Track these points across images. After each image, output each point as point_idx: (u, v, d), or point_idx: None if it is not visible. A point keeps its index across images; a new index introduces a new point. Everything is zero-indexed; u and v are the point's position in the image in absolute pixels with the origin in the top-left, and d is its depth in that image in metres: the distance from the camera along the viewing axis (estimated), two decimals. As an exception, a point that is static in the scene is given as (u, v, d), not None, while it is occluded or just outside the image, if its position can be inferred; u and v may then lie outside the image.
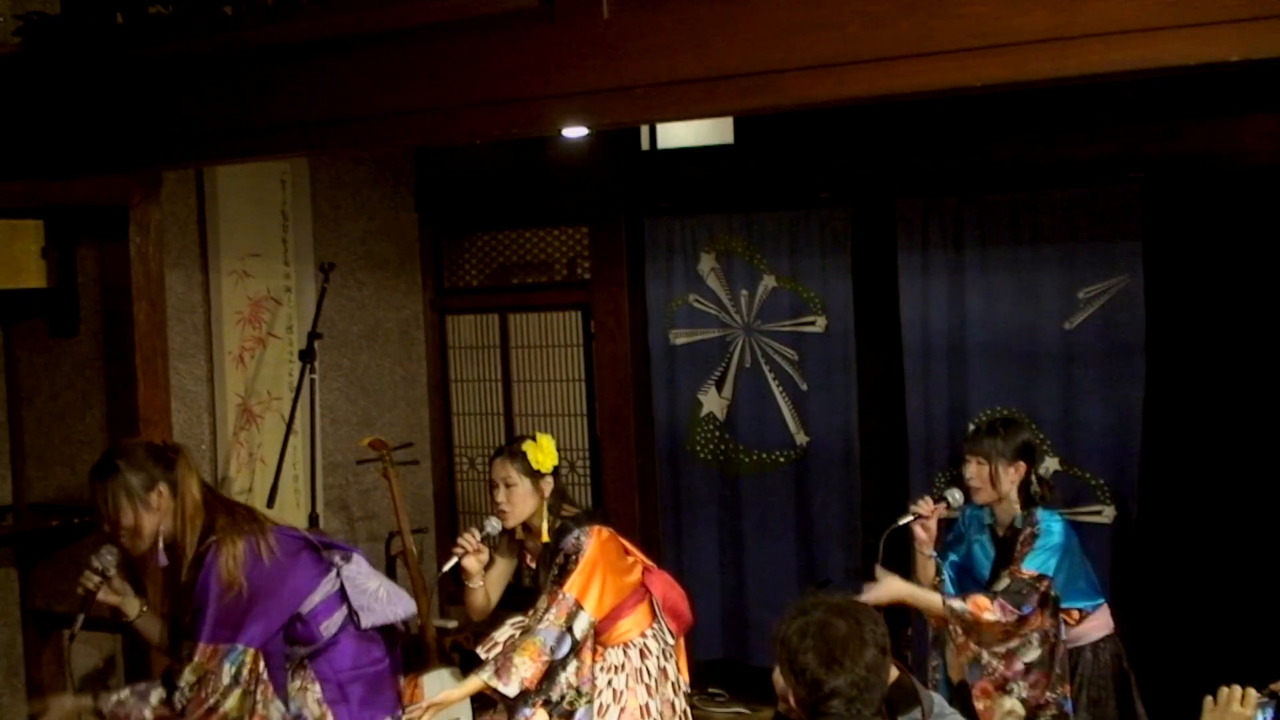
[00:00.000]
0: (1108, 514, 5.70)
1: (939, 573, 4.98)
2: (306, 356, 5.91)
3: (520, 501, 4.88)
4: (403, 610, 4.41)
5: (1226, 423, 5.66)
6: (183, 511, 4.12)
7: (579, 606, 4.74)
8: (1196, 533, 5.71)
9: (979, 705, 4.81)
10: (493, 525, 4.84)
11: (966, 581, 5.00)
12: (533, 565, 5.03)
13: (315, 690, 4.23)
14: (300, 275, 6.22)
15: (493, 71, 3.47)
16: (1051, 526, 4.85)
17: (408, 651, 4.97)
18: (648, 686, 5.03)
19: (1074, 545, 4.90)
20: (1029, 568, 4.77)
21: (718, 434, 6.47)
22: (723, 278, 6.38)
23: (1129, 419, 5.64)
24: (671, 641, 5.14)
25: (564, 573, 4.82)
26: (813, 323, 6.23)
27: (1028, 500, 4.91)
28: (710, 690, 6.33)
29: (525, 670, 4.66)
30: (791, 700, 3.16)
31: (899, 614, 5.92)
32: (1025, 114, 5.61)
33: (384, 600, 4.36)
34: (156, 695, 4.04)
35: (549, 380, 6.82)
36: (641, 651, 5.04)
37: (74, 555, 5.23)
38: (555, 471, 4.93)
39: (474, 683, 4.71)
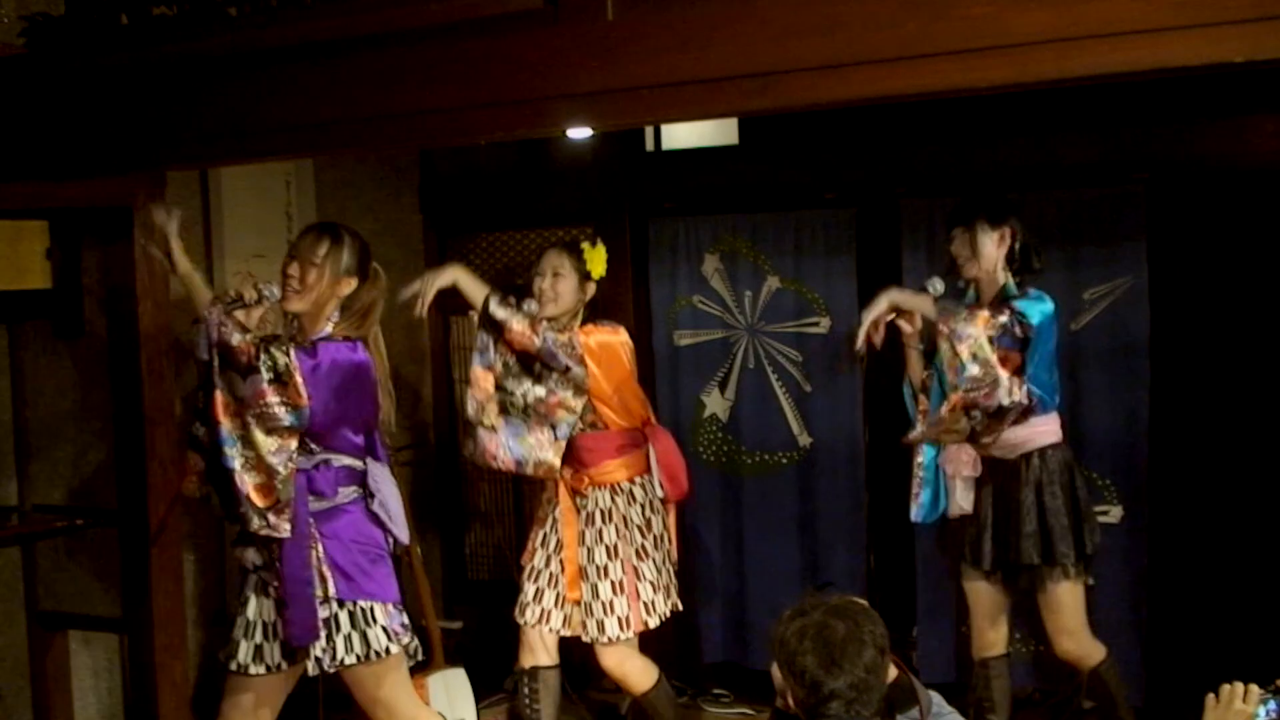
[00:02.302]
0: (1115, 514, 5.69)
1: (928, 365, 5.08)
2: (311, 358, 5.91)
3: (564, 293, 5.17)
4: (399, 528, 4.54)
5: (1232, 423, 5.65)
6: (360, 315, 4.45)
7: (581, 358, 5.01)
8: (1202, 532, 5.71)
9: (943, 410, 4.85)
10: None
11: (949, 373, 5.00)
12: None
13: (320, 549, 4.36)
14: (305, 276, 6.22)
15: (497, 72, 3.48)
16: (1044, 296, 4.88)
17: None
18: (628, 536, 5.21)
19: (1050, 334, 4.92)
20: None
21: (720, 435, 6.46)
22: (726, 279, 6.38)
23: (1135, 420, 5.64)
24: (660, 495, 5.32)
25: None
26: (816, 324, 6.22)
27: (1019, 270, 4.94)
28: (714, 692, 6.33)
29: (514, 322, 4.96)
30: (790, 699, 3.17)
31: (904, 614, 5.94)
32: (1030, 115, 5.60)
33: (390, 504, 4.51)
34: (242, 337, 4.20)
35: (553, 381, 6.82)
36: (628, 497, 5.24)
37: (79, 556, 5.24)
38: (598, 284, 5.24)
39: (476, 289, 5.07)
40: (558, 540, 5.28)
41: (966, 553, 5.09)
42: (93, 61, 4.13)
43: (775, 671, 3.22)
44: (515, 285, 5.54)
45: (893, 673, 3.24)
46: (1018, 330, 4.71)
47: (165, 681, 5.04)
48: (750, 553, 6.45)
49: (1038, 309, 4.84)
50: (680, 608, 5.39)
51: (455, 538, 7.11)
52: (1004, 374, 4.68)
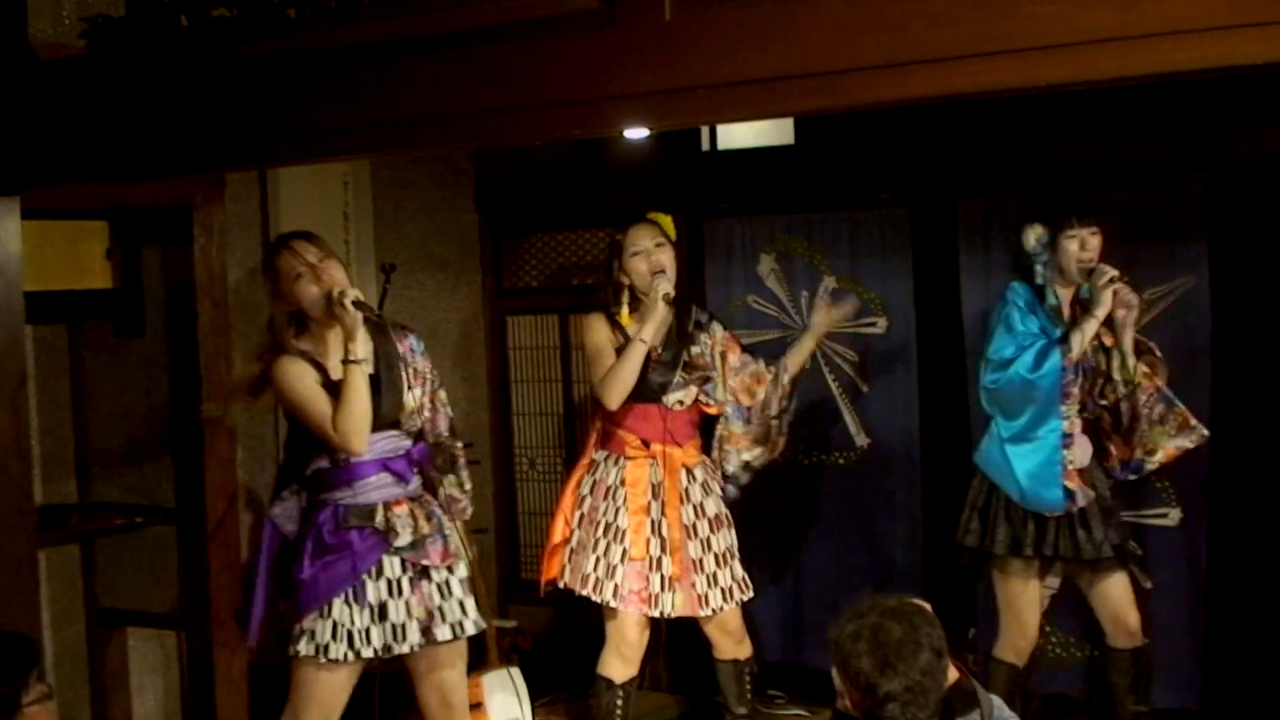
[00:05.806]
0: (1174, 516, 5.64)
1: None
2: (367, 357, 5.94)
3: (672, 260, 5.33)
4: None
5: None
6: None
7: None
8: (1262, 535, 5.64)
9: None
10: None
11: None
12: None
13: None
14: (362, 276, 6.25)
15: (554, 73, 3.47)
16: None
17: (468, 651, 5.00)
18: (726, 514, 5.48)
19: None
20: None
21: (777, 435, 6.43)
22: (783, 279, 6.36)
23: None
24: None
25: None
26: (874, 324, 6.20)
27: None
28: (769, 692, 6.31)
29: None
30: (849, 701, 3.16)
31: (963, 615, 5.90)
32: (1088, 113, 5.56)
33: None
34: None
35: (608, 381, 6.82)
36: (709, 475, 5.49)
37: (138, 553, 5.28)
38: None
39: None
40: (667, 525, 5.29)
41: (1054, 544, 5.13)
42: (152, 63, 4.15)
43: (835, 673, 3.21)
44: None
45: (954, 675, 3.22)
46: None
47: (223, 678, 5.08)
48: (807, 553, 6.44)
49: None
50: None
51: (509, 537, 7.13)
52: None
